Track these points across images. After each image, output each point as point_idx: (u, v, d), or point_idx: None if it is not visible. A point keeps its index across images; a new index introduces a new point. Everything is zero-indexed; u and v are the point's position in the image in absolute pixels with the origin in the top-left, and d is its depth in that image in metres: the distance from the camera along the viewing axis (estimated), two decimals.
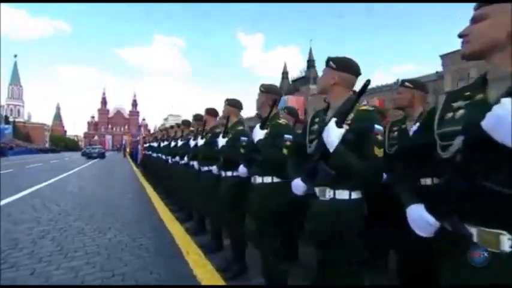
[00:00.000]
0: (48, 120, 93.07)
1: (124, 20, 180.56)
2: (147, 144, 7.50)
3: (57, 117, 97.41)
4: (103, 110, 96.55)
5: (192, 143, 3.26)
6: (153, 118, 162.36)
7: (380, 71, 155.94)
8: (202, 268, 2.40)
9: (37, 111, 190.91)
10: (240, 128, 2.40)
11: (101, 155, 24.27)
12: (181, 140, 4.08)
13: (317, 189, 1.32)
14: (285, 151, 1.79)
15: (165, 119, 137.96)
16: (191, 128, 4.23)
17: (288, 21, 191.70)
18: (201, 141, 2.96)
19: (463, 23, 0.81)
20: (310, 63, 51.36)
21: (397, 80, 37.12)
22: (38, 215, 4.16)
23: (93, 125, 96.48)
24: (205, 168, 2.89)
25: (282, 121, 1.95)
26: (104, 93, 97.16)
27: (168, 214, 4.27)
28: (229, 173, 2.40)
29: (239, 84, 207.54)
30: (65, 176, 9.38)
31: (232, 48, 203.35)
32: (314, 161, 1.27)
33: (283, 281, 1.88)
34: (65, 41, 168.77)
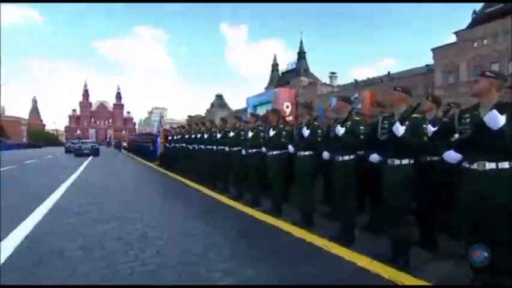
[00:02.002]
0: (24, 114, 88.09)
1: (102, 11, 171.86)
2: (177, 137, 7.55)
3: (34, 110, 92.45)
4: (85, 103, 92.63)
5: (271, 132, 4.05)
6: (138, 111, 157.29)
7: (364, 65, 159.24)
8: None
9: (11, 104, 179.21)
10: (357, 119, 3.10)
11: (95, 152, 18.37)
12: (233, 132, 5.01)
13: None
14: (425, 138, 2.37)
15: (150, 112, 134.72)
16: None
17: (271, 15, 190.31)
18: (272, 133, 3.97)
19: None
20: (301, 55, 51.49)
21: (388, 72, 38.19)
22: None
23: (74, 119, 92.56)
24: (303, 153, 3.46)
25: (418, 116, 2.42)
26: (85, 86, 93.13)
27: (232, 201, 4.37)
28: (346, 157, 2.90)
29: (223, 77, 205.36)
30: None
31: (215, 40, 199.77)
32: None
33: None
34: (36, 31, 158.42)
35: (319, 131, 3.45)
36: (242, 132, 4.81)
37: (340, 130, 2.80)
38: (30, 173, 9.11)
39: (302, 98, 47.33)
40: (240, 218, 3.70)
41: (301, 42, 52.51)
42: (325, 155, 3.13)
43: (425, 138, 2.35)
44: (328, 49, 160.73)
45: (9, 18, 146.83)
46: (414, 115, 2.33)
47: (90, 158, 16.49)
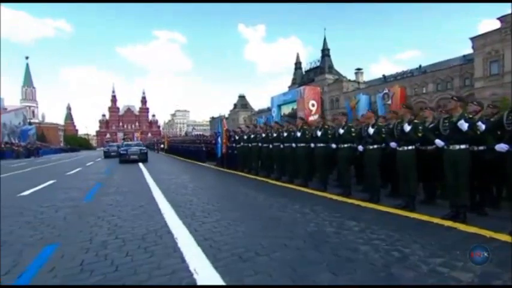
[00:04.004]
0: (60, 120, 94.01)
1: (123, 18, 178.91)
2: (246, 137, 8.02)
3: (69, 117, 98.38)
4: (113, 108, 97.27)
5: (370, 130, 4.48)
6: (161, 114, 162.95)
7: (383, 58, 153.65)
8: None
9: (49, 112, 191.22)
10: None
11: (143, 157, 14.50)
12: (319, 131, 5.53)
13: None
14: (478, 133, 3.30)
15: (173, 115, 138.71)
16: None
17: (289, 12, 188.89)
18: (371, 130, 4.44)
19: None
20: (325, 52, 50.85)
21: (419, 66, 36.80)
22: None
23: (104, 123, 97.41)
24: (406, 148, 3.96)
25: (474, 117, 3.44)
26: (113, 92, 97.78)
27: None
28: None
29: (241, 77, 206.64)
30: None
31: (233, 40, 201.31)
32: None
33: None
34: (66, 42, 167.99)
35: (420, 127, 3.78)
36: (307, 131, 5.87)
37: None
38: (118, 180, 9.82)
39: (328, 95, 46.99)
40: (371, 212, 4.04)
41: (324, 39, 51.84)
42: (439, 142, 3.50)
43: (478, 132, 3.25)
44: (348, 45, 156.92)
45: (43, 31, 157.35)
46: (470, 116, 3.36)
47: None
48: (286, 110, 46.84)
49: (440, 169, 3.57)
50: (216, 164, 11.06)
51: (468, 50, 27.67)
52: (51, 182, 7.93)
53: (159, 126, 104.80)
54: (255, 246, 2.65)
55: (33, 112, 79.26)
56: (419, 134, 3.72)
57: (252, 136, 7.78)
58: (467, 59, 28.35)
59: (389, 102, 32.03)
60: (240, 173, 8.35)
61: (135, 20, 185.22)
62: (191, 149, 15.16)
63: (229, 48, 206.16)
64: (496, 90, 23.48)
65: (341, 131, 4.88)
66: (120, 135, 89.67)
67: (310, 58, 49.84)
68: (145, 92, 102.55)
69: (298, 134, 5.90)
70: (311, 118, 27.90)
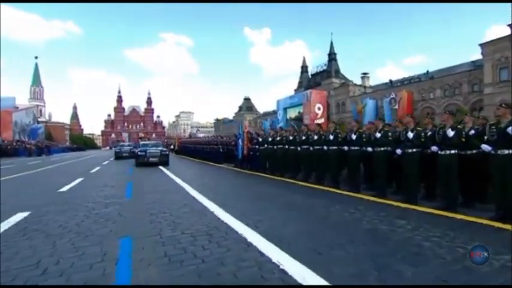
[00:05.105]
0: (66, 119, 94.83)
1: (130, 21, 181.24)
2: (270, 139, 8.22)
3: (75, 116, 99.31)
4: (119, 108, 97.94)
5: (410, 134, 4.69)
6: (165, 115, 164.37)
7: (390, 63, 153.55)
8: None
9: (55, 111, 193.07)
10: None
11: (165, 160, 12.70)
12: (355, 134, 5.76)
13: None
14: None
15: (177, 116, 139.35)
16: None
17: (294, 16, 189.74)
18: (411, 134, 4.63)
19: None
20: (332, 56, 51.11)
21: (427, 71, 36.90)
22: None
23: (109, 123, 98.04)
24: (449, 152, 4.14)
25: None
26: (119, 92, 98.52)
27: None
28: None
29: (247, 80, 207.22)
30: None
31: (239, 43, 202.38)
32: None
33: None
34: (75, 44, 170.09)
35: (463, 133, 3.96)
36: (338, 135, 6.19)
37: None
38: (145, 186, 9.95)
39: (334, 99, 47.13)
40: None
41: (331, 44, 52.23)
42: (486, 147, 3.70)
43: None
44: (354, 50, 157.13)
45: (54, 32, 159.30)
46: None
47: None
48: (293, 113, 46.90)
49: (481, 173, 3.73)
50: (234, 165, 11.26)
51: (476, 56, 27.83)
52: (80, 179, 8.15)
53: (163, 127, 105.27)
54: (321, 242, 2.82)
55: (40, 111, 79.91)
56: (463, 139, 3.89)
57: (278, 138, 7.97)
58: (476, 65, 28.45)
59: (396, 107, 32.03)
60: (262, 174, 8.51)
61: (142, 23, 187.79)
62: (206, 150, 15.34)
63: (235, 51, 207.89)
64: (506, 97, 23.52)
65: (378, 134, 5.06)
66: (125, 135, 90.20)
67: (315, 62, 50.34)
68: (151, 93, 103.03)
69: (331, 137, 6.09)
70: (317, 121, 28.09)
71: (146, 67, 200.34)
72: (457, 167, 3.94)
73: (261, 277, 2.15)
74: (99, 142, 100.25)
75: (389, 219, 3.60)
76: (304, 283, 2.02)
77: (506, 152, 3.35)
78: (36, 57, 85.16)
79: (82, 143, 77.81)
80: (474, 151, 4.04)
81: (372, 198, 4.89)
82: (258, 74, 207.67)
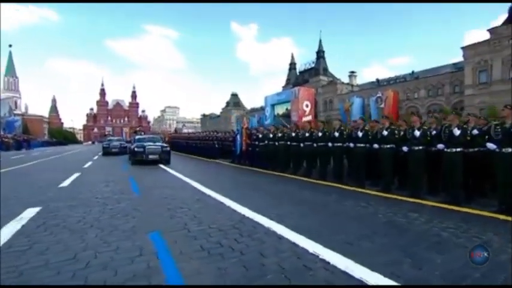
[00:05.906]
0: (44, 113, 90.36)
1: (112, 8, 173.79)
2: (271, 135, 8.33)
3: (54, 109, 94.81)
4: (102, 101, 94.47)
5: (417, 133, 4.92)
6: (151, 110, 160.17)
7: (375, 63, 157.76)
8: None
9: (32, 103, 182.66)
10: None
11: (166, 157, 11.27)
12: (361, 131, 5.89)
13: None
14: None
15: (163, 111, 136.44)
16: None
17: (281, 14, 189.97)
18: (418, 133, 4.87)
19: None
20: (320, 54, 51.74)
21: (412, 71, 38.21)
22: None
23: (92, 117, 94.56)
24: (455, 150, 4.40)
25: None
26: (102, 85, 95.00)
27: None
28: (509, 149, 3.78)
29: (234, 76, 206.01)
30: None
31: (226, 38, 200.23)
32: None
33: None
34: (52, 31, 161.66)
35: (469, 132, 4.27)
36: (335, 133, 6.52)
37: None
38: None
39: (322, 97, 47.88)
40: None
41: (320, 41, 52.74)
42: (491, 146, 3.97)
43: None
44: (340, 49, 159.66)
45: (28, 17, 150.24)
46: None
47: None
48: (280, 109, 47.27)
49: (481, 169, 4.01)
50: (231, 161, 11.29)
51: (458, 58, 29.12)
52: (76, 174, 7.92)
53: (148, 122, 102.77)
54: (347, 234, 2.96)
55: (15, 103, 75.71)
56: (468, 138, 4.16)
57: (280, 135, 8.09)
58: (457, 67, 29.78)
59: (382, 105, 33.10)
60: (263, 170, 8.59)
61: (125, 12, 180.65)
62: (200, 146, 15.22)
63: (222, 46, 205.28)
64: (485, 98, 24.90)
65: (385, 132, 5.28)
66: (108, 129, 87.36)
67: (302, 60, 51.09)
68: (136, 87, 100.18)
69: (336, 134, 6.27)
70: (304, 119, 28.52)
71: (131, 59, 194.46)
72: (461, 164, 4.21)
73: (304, 266, 2.25)
74: (80, 137, 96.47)
75: (404, 212, 3.82)
76: (349, 271, 2.14)
77: (510, 150, 3.63)
78: (10, 46, 79.72)
79: (62, 137, 74.61)
80: (476, 149, 4.33)
81: (378, 194, 5.12)
82: (245, 70, 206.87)
